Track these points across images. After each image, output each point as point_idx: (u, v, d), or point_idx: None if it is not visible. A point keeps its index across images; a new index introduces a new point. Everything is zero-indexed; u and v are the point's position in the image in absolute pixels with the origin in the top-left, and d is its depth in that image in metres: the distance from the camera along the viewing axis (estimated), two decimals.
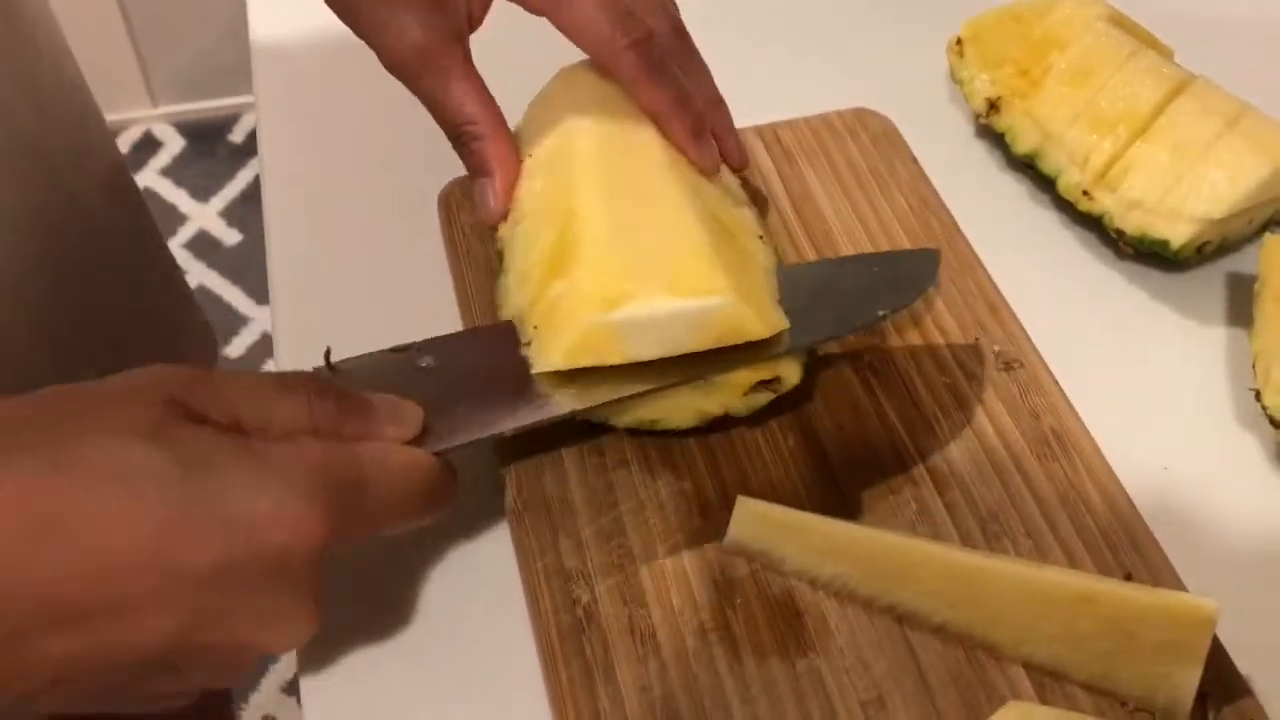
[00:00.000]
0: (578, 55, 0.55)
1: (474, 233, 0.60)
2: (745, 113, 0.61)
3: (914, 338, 0.56)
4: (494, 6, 0.55)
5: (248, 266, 1.90)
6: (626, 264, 0.48)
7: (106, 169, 0.74)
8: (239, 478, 0.39)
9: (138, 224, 0.79)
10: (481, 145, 0.53)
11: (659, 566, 0.48)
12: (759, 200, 0.61)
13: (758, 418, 0.51)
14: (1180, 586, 0.47)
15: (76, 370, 0.42)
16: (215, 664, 0.40)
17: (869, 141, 0.65)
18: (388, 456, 0.44)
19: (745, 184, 0.59)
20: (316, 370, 0.47)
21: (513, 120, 0.55)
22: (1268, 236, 0.57)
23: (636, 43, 0.52)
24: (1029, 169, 0.64)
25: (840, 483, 0.51)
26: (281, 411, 0.42)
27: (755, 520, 0.47)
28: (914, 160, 0.64)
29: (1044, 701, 0.44)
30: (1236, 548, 0.50)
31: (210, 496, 0.38)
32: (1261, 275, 0.57)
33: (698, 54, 0.57)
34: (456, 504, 0.47)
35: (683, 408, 0.50)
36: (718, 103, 0.58)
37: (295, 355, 0.57)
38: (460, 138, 0.54)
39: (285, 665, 1.46)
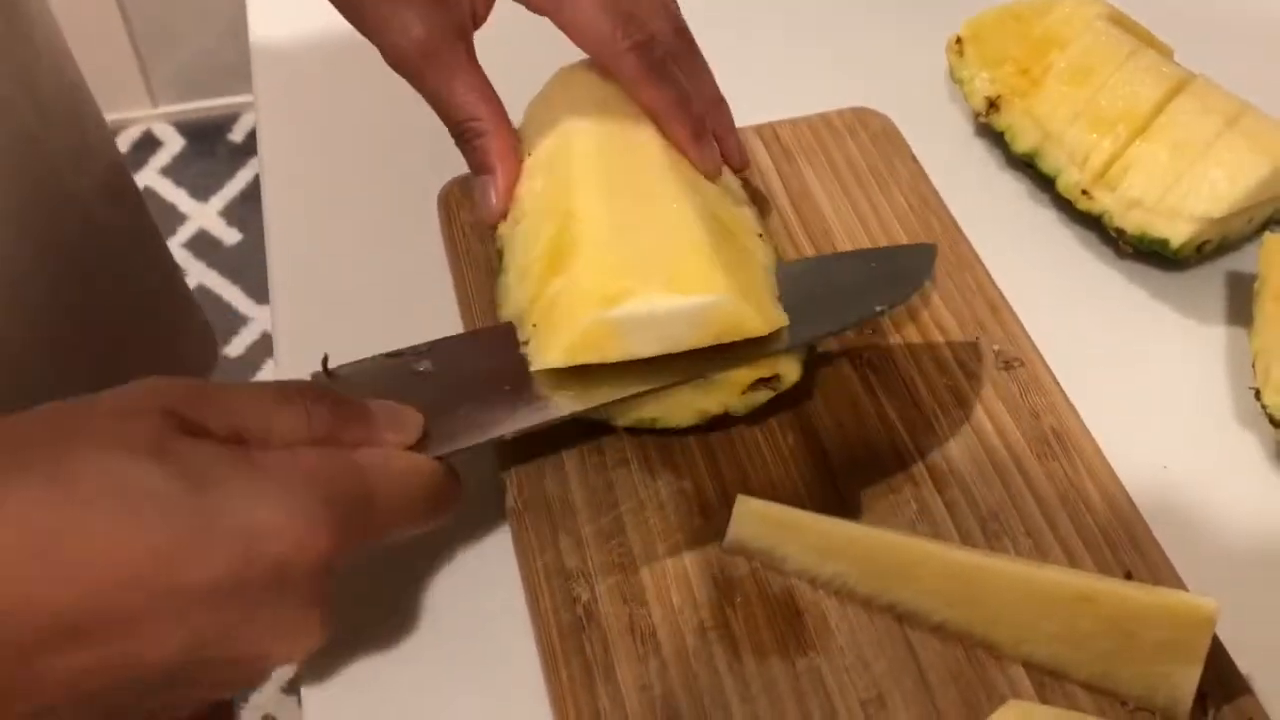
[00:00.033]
0: (579, 55, 0.55)
1: (474, 232, 0.60)
2: (745, 111, 0.61)
3: (914, 336, 0.56)
4: (496, 5, 0.55)
5: (248, 266, 1.90)
6: (626, 261, 0.48)
7: (106, 169, 0.74)
8: (239, 490, 0.38)
9: (137, 224, 0.79)
10: (484, 142, 0.53)
11: (659, 565, 0.48)
12: (759, 199, 0.61)
13: (757, 416, 0.51)
14: (1180, 586, 0.47)
15: (75, 371, 0.42)
16: (224, 677, 0.40)
17: (869, 140, 0.65)
18: (388, 463, 0.43)
19: (745, 183, 0.59)
20: (314, 377, 0.47)
21: (513, 119, 0.55)
22: (1267, 235, 0.57)
23: (637, 44, 0.52)
24: (1029, 168, 0.64)
25: (840, 482, 0.51)
26: (280, 421, 0.42)
27: (755, 519, 0.47)
28: (914, 159, 0.64)
29: (1044, 701, 0.44)
30: (1236, 547, 0.50)
31: (210, 511, 0.37)
32: (1261, 274, 0.57)
33: (700, 54, 0.57)
34: (460, 508, 0.47)
35: (682, 406, 0.50)
36: (719, 103, 0.58)
37: (295, 355, 0.57)
38: (463, 134, 0.53)
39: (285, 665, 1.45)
